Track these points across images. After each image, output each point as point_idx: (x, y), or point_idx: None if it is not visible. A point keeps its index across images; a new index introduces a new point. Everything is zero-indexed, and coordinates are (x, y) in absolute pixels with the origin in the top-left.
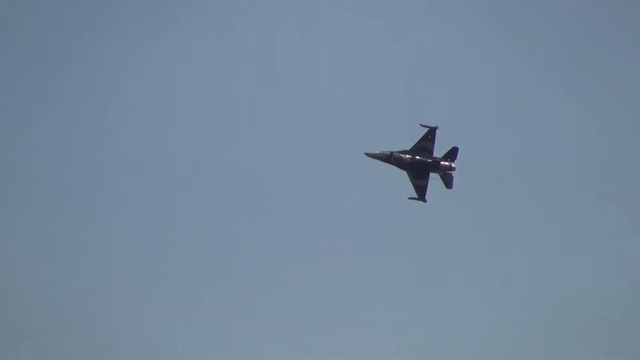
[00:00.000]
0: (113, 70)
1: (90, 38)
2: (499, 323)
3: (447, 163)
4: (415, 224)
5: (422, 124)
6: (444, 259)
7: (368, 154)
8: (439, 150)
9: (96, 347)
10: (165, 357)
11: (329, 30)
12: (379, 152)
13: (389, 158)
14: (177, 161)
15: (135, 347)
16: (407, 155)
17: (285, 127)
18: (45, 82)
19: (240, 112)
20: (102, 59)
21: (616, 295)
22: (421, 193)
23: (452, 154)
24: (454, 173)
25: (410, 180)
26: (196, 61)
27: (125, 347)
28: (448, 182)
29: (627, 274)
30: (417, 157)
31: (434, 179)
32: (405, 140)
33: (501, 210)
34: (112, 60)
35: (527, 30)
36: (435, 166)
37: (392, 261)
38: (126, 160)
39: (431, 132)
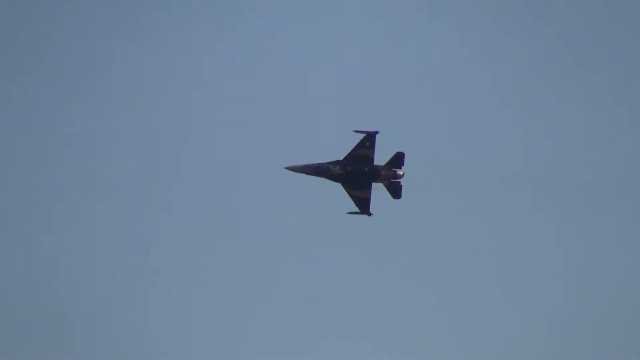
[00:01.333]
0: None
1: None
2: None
3: (388, 171)
4: (360, 239)
5: (357, 129)
6: (393, 271)
7: (289, 169)
8: (382, 157)
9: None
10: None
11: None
12: (303, 164)
13: (318, 170)
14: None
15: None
16: (337, 167)
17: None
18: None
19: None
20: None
21: (615, 296)
22: (363, 206)
23: (397, 160)
24: (402, 181)
25: (348, 193)
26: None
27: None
28: (395, 191)
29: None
30: (349, 168)
31: (378, 189)
32: (341, 150)
33: (459, 217)
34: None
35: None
36: (374, 175)
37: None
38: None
39: (369, 138)
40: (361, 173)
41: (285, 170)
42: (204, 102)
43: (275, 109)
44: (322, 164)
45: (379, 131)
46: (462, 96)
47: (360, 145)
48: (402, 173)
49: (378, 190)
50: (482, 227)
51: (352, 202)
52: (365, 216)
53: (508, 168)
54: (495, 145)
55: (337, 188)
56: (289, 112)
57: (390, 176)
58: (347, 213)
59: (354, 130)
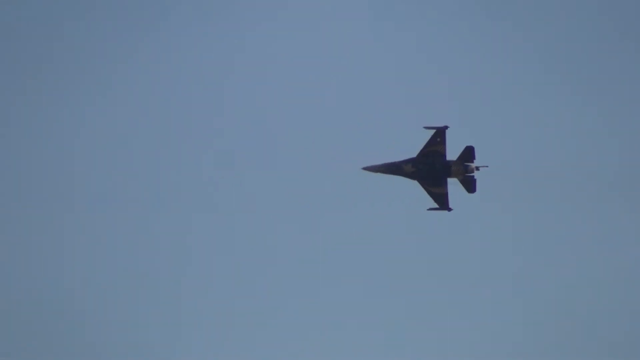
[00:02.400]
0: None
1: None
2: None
3: (460, 166)
4: (442, 235)
5: (427, 125)
6: (476, 266)
7: (367, 169)
8: (452, 153)
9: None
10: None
11: (312, 29)
12: (379, 164)
13: (392, 169)
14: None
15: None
16: (409, 165)
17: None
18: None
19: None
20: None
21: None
22: (442, 202)
23: (467, 154)
24: (475, 175)
25: (425, 189)
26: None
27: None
28: (470, 186)
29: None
30: (421, 165)
31: (454, 184)
32: (411, 147)
33: (534, 212)
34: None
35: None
36: (447, 170)
37: (424, 272)
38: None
39: (440, 134)
40: (434, 169)
41: (363, 170)
42: (275, 101)
43: (337, 108)
44: (395, 162)
45: (448, 126)
46: (528, 92)
47: (431, 141)
48: (474, 167)
49: (454, 185)
50: (554, 221)
51: (431, 199)
52: (445, 211)
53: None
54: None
55: (415, 185)
56: (354, 112)
57: (463, 171)
58: (427, 209)
59: (424, 127)
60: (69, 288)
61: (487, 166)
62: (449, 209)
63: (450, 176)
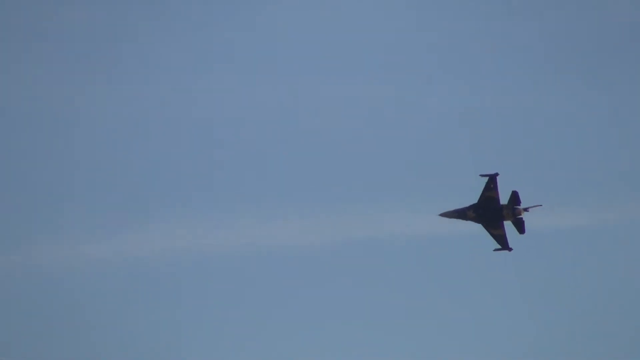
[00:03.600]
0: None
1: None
2: None
3: (510, 210)
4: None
5: (482, 174)
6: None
7: (443, 215)
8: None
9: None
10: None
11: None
12: (451, 210)
13: (462, 215)
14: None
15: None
16: (471, 211)
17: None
18: None
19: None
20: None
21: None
22: (502, 242)
23: (514, 198)
24: (523, 217)
25: (488, 231)
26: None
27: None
28: (520, 227)
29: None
30: (480, 210)
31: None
32: (469, 195)
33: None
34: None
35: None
36: (500, 214)
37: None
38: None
39: (492, 180)
40: (490, 214)
41: (439, 216)
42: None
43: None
44: (462, 209)
45: (498, 173)
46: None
47: (487, 187)
48: (521, 209)
49: (509, 227)
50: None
51: (494, 240)
52: (506, 251)
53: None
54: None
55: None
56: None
57: (512, 214)
58: (493, 250)
59: (480, 175)
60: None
61: (540, 205)
62: (510, 249)
63: (504, 219)
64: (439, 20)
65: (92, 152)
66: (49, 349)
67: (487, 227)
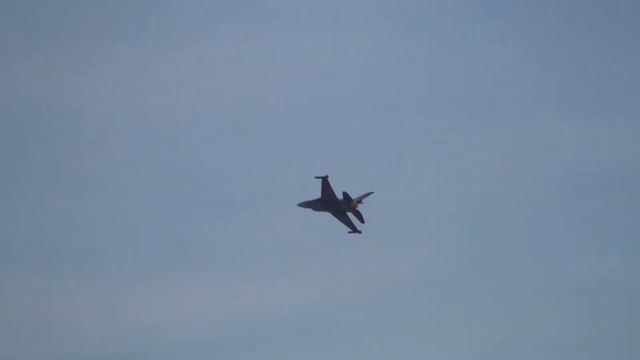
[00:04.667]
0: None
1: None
2: None
3: (345, 204)
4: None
5: (316, 176)
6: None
7: (300, 205)
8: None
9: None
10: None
11: None
12: (305, 201)
13: (312, 205)
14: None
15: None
16: (318, 204)
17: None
18: None
19: None
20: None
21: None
22: (352, 227)
23: (346, 197)
24: (359, 209)
25: (338, 219)
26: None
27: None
28: (359, 217)
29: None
30: (320, 205)
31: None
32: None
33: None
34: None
35: None
36: (339, 207)
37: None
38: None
39: (324, 182)
40: (333, 207)
41: (297, 207)
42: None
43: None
44: (312, 201)
45: (328, 175)
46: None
47: (323, 187)
48: (356, 202)
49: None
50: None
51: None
52: (357, 234)
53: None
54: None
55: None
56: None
57: (348, 208)
58: (348, 232)
59: (315, 177)
60: None
61: (372, 192)
62: (359, 232)
63: (346, 210)
64: None
65: None
66: None
67: (335, 215)
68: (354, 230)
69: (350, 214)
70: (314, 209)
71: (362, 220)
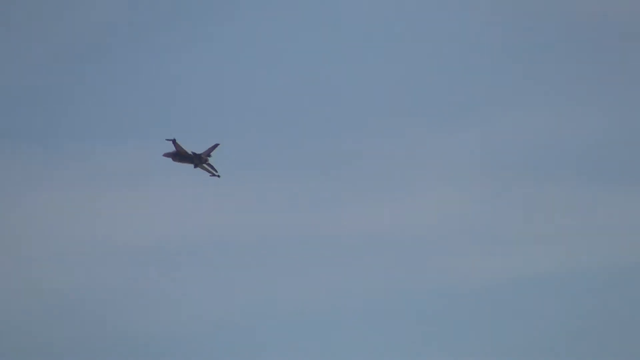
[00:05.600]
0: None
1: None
2: None
3: (198, 158)
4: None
5: (166, 138)
6: None
7: (165, 155)
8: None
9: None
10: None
11: None
12: (170, 152)
13: (178, 158)
14: None
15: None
16: (176, 158)
17: None
18: None
19: None
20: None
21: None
22: (212, 171)
23: (195, 154)
24: (210, 161)
25: (200, 168)
26: None
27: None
28: (213, 169)
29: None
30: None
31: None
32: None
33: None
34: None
35: None
36: (194, 161)
37: None
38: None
39: (174, 143)
40: (188, 160)
41: (163, 156)
42: None
43: None
44: (171, 153)
45: (175, 138)
46: None
47: (175, 146)
48: (205, 156)
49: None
50: None
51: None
52: (216, 177)
53: None
54: None
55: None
56: None
57: (200, 161)
58: (210, 175)
59: (165, 139)
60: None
61: (218, 144)
62: (219, 175)
63: (201, 163)
64: None
65: None
66: None
67: (197, 166)
68: (214, 174)
69: (206, 166)
70: (173, 159)
71: (216, 172)
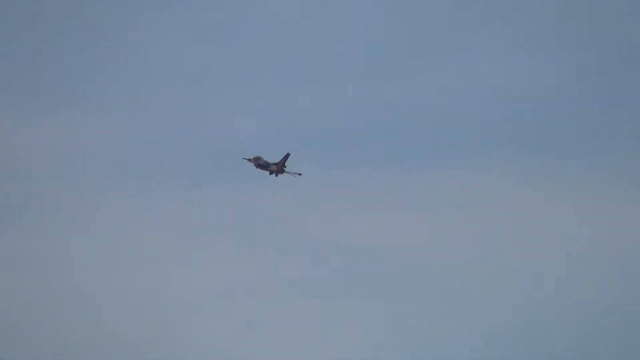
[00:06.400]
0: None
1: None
2: None
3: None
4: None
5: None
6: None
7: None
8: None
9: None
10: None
11: None
12: (250, 158)
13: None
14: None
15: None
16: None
17: None
18: None
19: None
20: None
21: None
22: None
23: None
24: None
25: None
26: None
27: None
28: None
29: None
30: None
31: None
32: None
33: None
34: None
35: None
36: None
37: None
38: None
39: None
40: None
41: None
42: None
43: None
44: (249, 159)
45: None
46: None
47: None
48: (275, 168)
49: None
50: None
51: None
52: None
53: None
54: None
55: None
56: None
57: (276, 172)
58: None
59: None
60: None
61: (289, 153)
62: (300, 174)
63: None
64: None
65: None
66: None
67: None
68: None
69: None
70: (256, 166)
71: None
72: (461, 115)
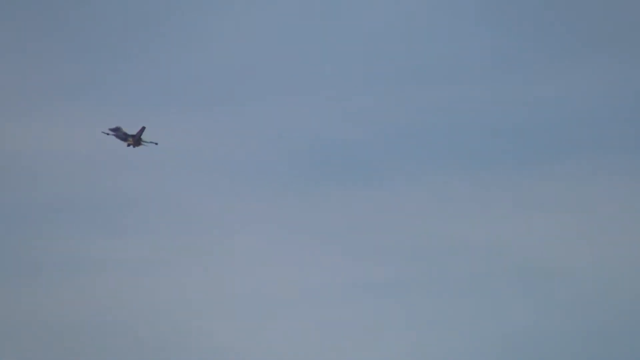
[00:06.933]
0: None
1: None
2: None
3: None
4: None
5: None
6: None
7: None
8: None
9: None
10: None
11: None
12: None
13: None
14: None
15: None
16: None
17: None
18: None
19: None
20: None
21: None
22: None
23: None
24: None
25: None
26: None
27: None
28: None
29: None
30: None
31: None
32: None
33: None
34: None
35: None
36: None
37: None
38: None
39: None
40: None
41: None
42: None
43: None
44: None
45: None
46: None
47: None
48: (132, 141)
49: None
50: None
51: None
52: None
53: None
54: None
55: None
56: None
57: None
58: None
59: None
60: None
61: (144, 127)
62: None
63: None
64: None
65: None
66: None
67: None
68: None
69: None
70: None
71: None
72: (572, 115)
